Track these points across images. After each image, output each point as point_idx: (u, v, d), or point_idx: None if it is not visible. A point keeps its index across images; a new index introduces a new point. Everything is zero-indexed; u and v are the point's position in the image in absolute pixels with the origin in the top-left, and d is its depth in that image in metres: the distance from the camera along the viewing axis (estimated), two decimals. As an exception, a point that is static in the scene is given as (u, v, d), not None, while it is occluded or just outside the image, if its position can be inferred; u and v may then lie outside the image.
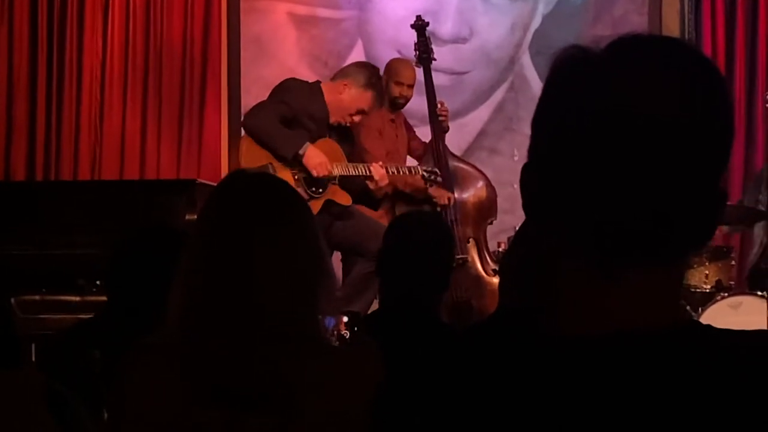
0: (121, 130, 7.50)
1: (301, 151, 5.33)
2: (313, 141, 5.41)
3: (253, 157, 5.31)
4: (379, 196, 5.64)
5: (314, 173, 5.35)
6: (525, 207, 1.04)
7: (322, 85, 5.58)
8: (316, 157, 5.36)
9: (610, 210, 0.97)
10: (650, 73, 0.98)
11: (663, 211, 0.97)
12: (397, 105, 6.06)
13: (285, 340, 1.82)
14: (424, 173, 5.81)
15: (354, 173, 5.53)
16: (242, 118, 5.56)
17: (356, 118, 5.56)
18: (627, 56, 1.00)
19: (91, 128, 7.50)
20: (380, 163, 5.57)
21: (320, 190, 5.42)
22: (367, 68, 5.70)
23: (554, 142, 1.00)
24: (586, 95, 0.98)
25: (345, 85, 5.52)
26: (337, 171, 5.45)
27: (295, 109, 5.38)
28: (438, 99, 6.13)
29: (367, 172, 5.52)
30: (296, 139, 5.36)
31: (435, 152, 6.02)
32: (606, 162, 0.96)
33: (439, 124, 6.06)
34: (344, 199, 5.54)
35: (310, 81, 5.64)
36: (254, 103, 5.62)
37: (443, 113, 6.12)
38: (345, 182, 5.56)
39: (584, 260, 0.99)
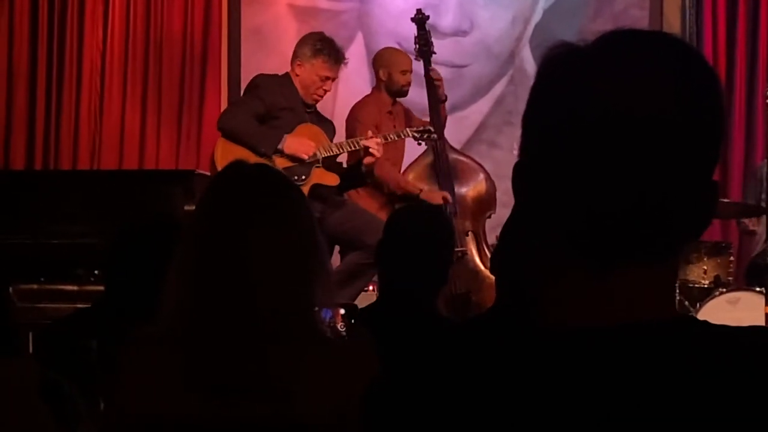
0: (120, 121, 7.50)
1: (280, 146, 5.38)
2: (291, 131, 5.45)
3: (229, 157, 5.32)
4: (370, 169, 5.64)
5: (304, 157, 5.40)
6: (517, 205, 1.03)
7: (289, 73, 5.64)
8: (297, 143, 5.42)
9: (603, 207, 0.97)
10: (639, 69, 0.98)
11: (657, 207, 0.97)
12: (402, 93, 6.05)
13: (280, 332, 1.82)
14: (415, 134, 5.82)
15: (338, 152, 5.57)
16: (217, 122, 5.60)
17: (327, 87, 5.62)
18: (616, 52, 1.00)
19: (91, 118, 7.49)
20: (369, 132, 5.59)
21: (303, 177, 5.44)
22: (309, 38, 5.74)
23: (545, 141, 1.00)
24: (575, 93, 0.98)
25: (298, 65, 5.60)
26: (320, 154, 5.47)
27: (268, 104, 5.45)
28: (431, 67, 6.11)
29: (354, 146, 5.56)
30: (274, 134, 5.42)
31: (435, 145, 6.01)
32: (597, 159, 0.96)
33: (438, 117, 6.04)
34: (331, 179, 5.57)
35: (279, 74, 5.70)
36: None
37: (437, 78, 6.08)
38: (330, 163, 5.58)
39: (579, 256, 0.99)
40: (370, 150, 5.48)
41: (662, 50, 1.00)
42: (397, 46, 6.50)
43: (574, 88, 0.98)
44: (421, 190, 5.88)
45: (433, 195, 5.87)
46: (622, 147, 0.96)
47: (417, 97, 6.19)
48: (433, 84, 6.03)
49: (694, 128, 0.97)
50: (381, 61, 6.11)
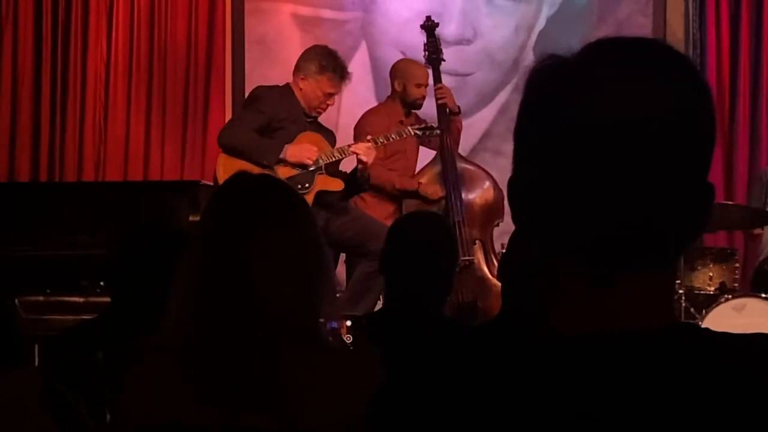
0: (125, 132, 7.51)
1: (282, 155, 5.39)
2: (291, 141, 5.46)
3: (231, 172, 5.31)
4: (365, 174, 5.62)
5: (308, 162, 5.42)
6: (515, 219, 1.04)
7: (290, 84, 5.64)
8: (299, 149, 5.44)
9: (600, 217, 0.97)
10: (625, 77, 0.98)
11: (653, 214, 0.97)
12: (416, 106, 6.04)
13: (284, 342, 1.82)
14: (417, 132, 5.80)
15: (340, 158, 5.58)
16: (218, 138, 5.61)
17: (331, 102, 5.65)
18: (601, 61, 1.00)
19: (96, 129, 7.51)
20: (366, 138, 5.58)
21: (307, 185, 5.45)
22: (314, 53, 5.73)
23: (538, 155, 1.00)
24: (564, 105, 0.98)
25: (302, 78, 5.61)
26: (322, 160, 5.48)
27: (269, 115, 5.45)
28: (440, 84, 6.07)
29: (347, 153, 5.57)
30: (275, 145, 5.44)
31: (443, 153, 6.00)
32: (591, 170, 0.96)
33: (448, 125, 6.02)
34: (336, 185, 5.57)
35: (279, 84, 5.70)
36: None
37: (440, 96, 6.03)
38: (333, 171, 5.60)
39: (578, 266, 0.99)
40: (359, 156, 5.48)
41: (648, 56, 1.00)
42: (401, 55, 6.50)
43: (562, 101, 0.98)
44: (419, 183, 5.89)
45: (431, 188, 5.88)
46: (614, 156, 0.96)
47: (428, 109, 6.17)
48: (443, 108, 5.99)
49: (685, 131, 0.97)
50: (397, 72, 6.09)
